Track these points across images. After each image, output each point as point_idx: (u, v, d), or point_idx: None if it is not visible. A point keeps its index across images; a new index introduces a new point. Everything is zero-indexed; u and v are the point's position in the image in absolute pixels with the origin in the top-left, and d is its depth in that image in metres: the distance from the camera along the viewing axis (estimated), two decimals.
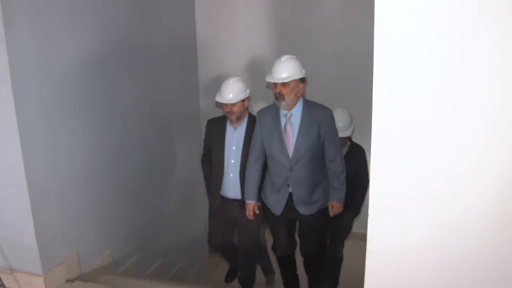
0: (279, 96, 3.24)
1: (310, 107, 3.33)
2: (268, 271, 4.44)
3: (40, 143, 2.76)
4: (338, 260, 4.10)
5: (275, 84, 3.26)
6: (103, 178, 3.32)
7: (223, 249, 3.95)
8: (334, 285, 4.18)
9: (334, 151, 3.36)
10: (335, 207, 3.42)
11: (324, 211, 3.44)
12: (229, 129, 3.61)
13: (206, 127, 3.73)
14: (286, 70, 3.24)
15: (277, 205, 3.45)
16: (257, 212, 3.52)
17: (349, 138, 3.89)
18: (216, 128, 3.64)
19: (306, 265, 3.77)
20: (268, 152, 3.40)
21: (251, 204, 3.53)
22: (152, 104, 3.84)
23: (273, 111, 3.38)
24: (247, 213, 3.52)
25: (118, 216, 3.49)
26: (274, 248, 3.85)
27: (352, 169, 3.66)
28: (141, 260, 3.73)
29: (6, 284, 2.76)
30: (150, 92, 3.83)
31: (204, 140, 3.73)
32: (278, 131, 3.33)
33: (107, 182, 3.36)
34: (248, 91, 3.53)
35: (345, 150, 3.85)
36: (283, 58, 3.28)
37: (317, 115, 3.30)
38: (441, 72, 1.64)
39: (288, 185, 3.36)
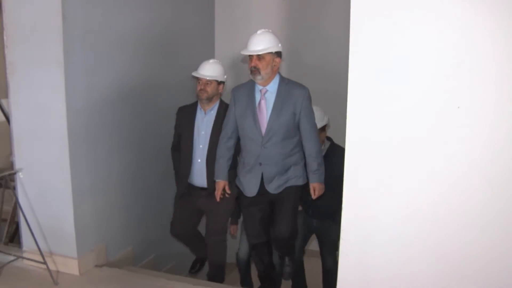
0: (254, 70, 3.21)
1: (287, 84, 3.31)
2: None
3: (83, 148, 3.42)
4: (334, 275, 4.11)
5: (250, 58, 3.24)
6: (132, 183, 3.95)
7: (186, 238, 3.98)
8: None
9: (309, 130, 3.30)
10: (316, 189, 3.32)
11: (293, 189, 3.39)
12: (200, 113, 3.68)
13: (176, 114, 3.82)
14: (261, 43, 3.21)
15: (249, 186, 3.41)
16: (228, 191, 3.52)
17: (328, 138, 3.90)
18: (186, 114, 3.73)
19: (276, 249, 3.70)
20: (241, 130, 3.39)
21: (221, 183, 3.49)
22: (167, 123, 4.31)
23: (248, 87, 3.37)
24: (216, 193, 3.50)
25: (141, 218, 4.10)
26: (247, 235, 3.74)
27: (333, 172, 3.48)
28: (157, 259, 4.29)
29: (46, 266, 3.35)
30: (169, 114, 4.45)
31: (175, 128, 3.84)
32: (252, 107, 3.31)
33: (134, 187, 3.99)
34: (225, 77, 3.68)
35: (323, 149, 3.78)
36: (259, 32, 3.27)
37: (293, 93, 3.27)
38: (415, 63, 2.17)
39: (260, 164, 3.33)
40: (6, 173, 3.41)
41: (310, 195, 3.42)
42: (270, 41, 3.22)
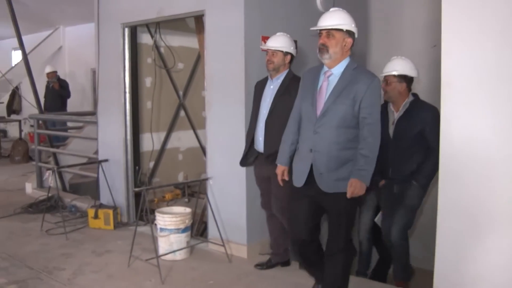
0: (322, 48, 3.12)
1: (355, 69, 3.16)
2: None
3: None
4: (402, 248, 4.06)
5: (319, 35, 3.15)
6: None
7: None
8: (407, 275, 4.15)
9: (368, 119, 3.08)
10: (353, 186, 3.05)
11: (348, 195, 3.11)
12: (269, 82, 4.07)
13: (254, 87, 4.30)
14: (332, 19, 3.12)
15: (298, 175, 3.28)
16: (286, 178, 3.45)
17: (414, 94, 3.98)
18: (260, 85, 4.21)
19: (325, 262, 3.40)
20: (301, 112, 3.32)
21: (279, 168, 3.45)
22: None
23: (316, 69, 3.31)
24: (278, 178, 3.50)
25: None
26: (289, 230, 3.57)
27: (414, 128, 3.67)
28: None
29: (224, 249, 4.71)
30: None
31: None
32: (313, 89, 3.22)
33: None
34: (292, 48, 4.00)
35: (404, 107, 3.89)
36: (332, 9, 3.22)
37: (359, 78, 3.11)
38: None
39: (311, 151, 3.18)
40: (202, 179, 4.93)
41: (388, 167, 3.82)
42: (343, 19, 3.14)
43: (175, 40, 6.84)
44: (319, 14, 5.27)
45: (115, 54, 5.89)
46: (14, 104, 13.64)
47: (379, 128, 3.15)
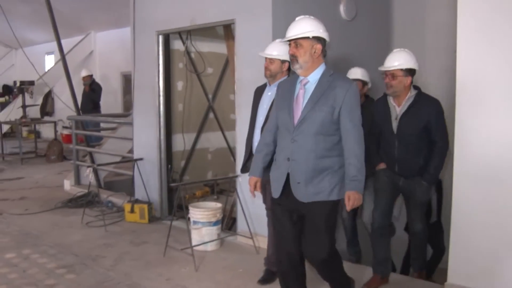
0: (292, 59, 3.11)
1: (331, 75, 3.12)
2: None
3: None
4: (422, 238, 4.07)
5: (289, 45, 3.14)
6: None
7: None
8: (423, 265, 4.21)
9: (350, 130, 3.06)
10: (351, 198, 3.02)
11: (329, 205, 3.11)
12: (267, 88, 4.05)
13: (254, 93, 4.27)
14: (297, 28, 3.10)
15: (275, 185, 3.23)
16: (258, 190, 3.39)
17: (416, 87, 3.88)
18: (259, 91, 4.18)
19: (319, 272, 3.35)
20: (278, 122, 3.25)
21: (252, 180, 3.38)
22: None
23: (292, 79, 3.28)
24: (250, 189, 3.43)
25: None
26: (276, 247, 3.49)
27: (420, 122, 3.65)
28: None
29: (252, 241, 5.09)
30: None
31: None
32: (289, 98, 3.18)
33: None
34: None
35: (408, 101, 3.80)
36: (298, 18, 3.18)
37: (336, 85, 3.06)
38: None
39: (288, 159, 3.12)
40: (230, 176, 5.33)
41: (397, 169, 3.85)
42: (309, 25, 3.11)
43: (204, 46, 7.26)
44: (343, 22, 5.70)
45: (150, 59, 6.34)
46: (47, 107, 14.31)
47: (362, 133, 3.14)
